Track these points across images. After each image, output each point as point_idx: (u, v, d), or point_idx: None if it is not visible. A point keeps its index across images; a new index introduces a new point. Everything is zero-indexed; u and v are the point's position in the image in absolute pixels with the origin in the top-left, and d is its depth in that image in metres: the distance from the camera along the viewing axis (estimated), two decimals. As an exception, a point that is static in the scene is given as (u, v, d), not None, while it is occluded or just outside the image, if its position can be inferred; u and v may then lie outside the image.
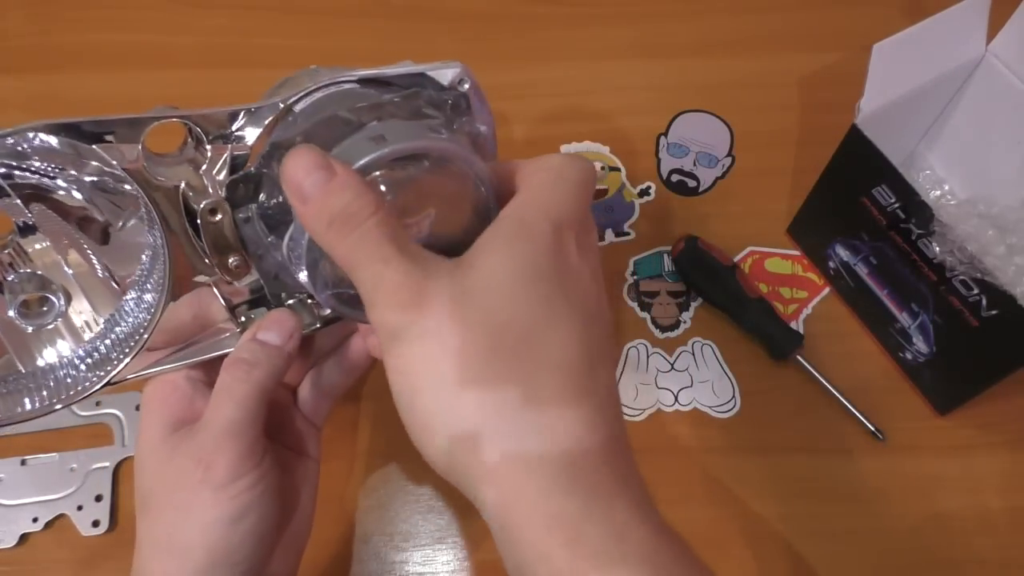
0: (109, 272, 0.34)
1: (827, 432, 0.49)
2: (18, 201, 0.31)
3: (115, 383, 0.34)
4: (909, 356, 0.49)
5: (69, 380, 0.34)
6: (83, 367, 0.34)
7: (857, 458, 0.48)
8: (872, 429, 0.49)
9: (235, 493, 0.32)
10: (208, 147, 0.32)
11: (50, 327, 0.34)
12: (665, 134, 0.60)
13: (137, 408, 0.49)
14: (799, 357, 0.50)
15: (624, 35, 0.64)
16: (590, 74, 0.62)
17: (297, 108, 0.34)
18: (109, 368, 0.34)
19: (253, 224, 0.34)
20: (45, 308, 0.34)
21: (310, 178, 0.27)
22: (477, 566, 0.46)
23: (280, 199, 0.32)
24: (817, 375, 0.50)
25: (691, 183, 0.58)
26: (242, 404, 0.33)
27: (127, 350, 0.34)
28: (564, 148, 0.59)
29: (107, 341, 0.34)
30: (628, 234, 0.56)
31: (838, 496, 0.47)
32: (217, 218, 0.33)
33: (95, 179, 0.32)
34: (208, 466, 0.32)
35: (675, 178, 0.58)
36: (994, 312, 0.41)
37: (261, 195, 0.33)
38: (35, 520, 0.45)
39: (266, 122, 0.33)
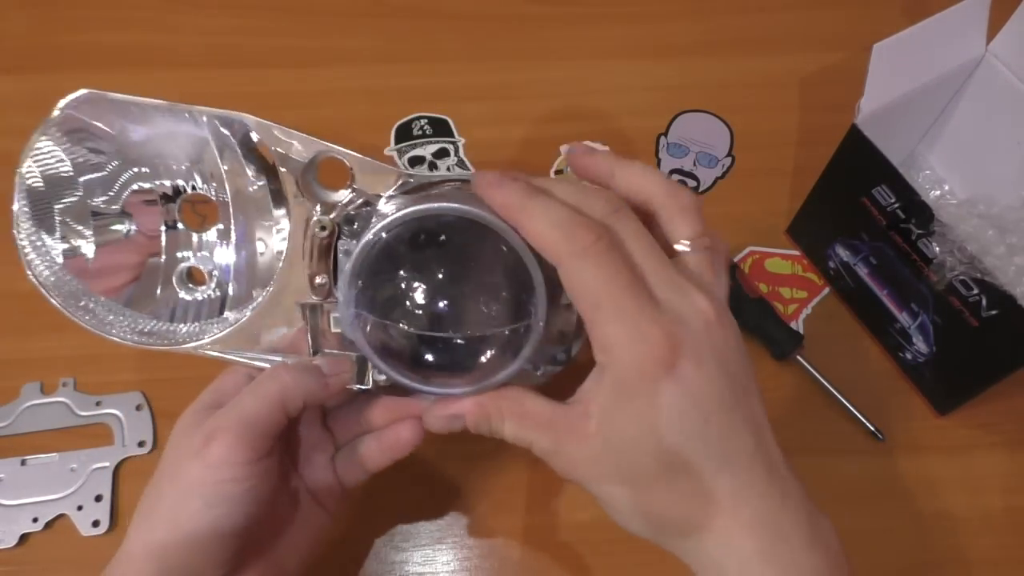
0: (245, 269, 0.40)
1: (827, 432, 0.49)
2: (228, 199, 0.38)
3: (196, 352, 0.38)
4: (909, 356, 0.49)
5: (166, 331, 0.39)
6: (183, 329, 0.39)
7: (857, 458, 0.48)
8: (872, 429, 0.49)
9: (221, 478, 0.32)
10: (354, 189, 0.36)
11: (196, 297, 0.40)
12: (665, 134, 0.60)
13: (137, 408, 0.49)
14: (799, 357, 0.50)
15: (624, 35, 0.64)
16: (590, 74, 0.62)
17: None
18: (201, 339, 0.38)
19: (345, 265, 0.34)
20: (198, 284, 0.40)
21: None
22: (477, 566, 0.46)
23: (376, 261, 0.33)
24: (817, 375, 0.50)
25: (691, 183, 0.58)
26: (262, 399, 0.34)
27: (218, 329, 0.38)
28: (564, 148, 0.59)
29: (213, 319, 0.40)
30: (628, 234, 0.56)
31: (838, 496, 0.47)
32: (324, 233, 0.36)
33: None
34: (208, 441, 0.33)
35: (675, 178, 0.58)
36: (994, 312, 0.41)
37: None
38: (35, 520, 0.45)
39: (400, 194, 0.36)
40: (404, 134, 0.60)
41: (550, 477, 0.48)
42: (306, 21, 0.65)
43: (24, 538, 0.45)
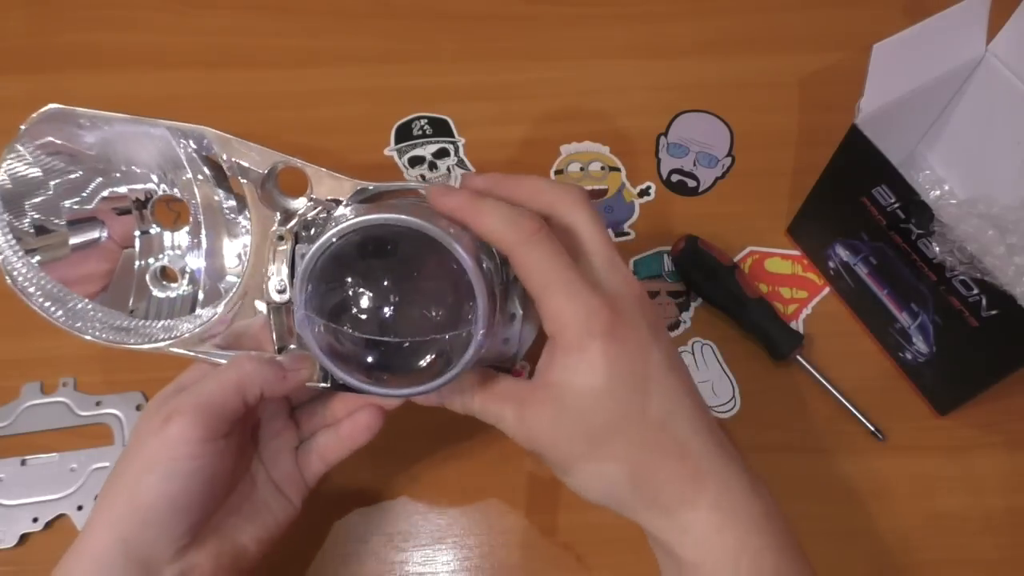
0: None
1: (827, 432, 0.49)
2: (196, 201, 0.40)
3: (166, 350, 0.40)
4: (909, 356, 0.49)
5: (141, 327, 0.40)
6: (158, 324, 0.41)
7: (857, 458, 0.48)
8: (872, 429, 0.49)
9: (176, 454, 0.34)
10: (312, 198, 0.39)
11: (168, 295, 0.42)
12: (665, 134, 0.60)
13: (138, 408, 0.49)
14: (799, 357, 0.50)
15: (624, 35, 0.64)
16: (590, 74, 0.62)
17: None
18: (174, 334, 0.40)
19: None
20: (171, 282, 0.42)
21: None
22: (477, 566, 0.46)
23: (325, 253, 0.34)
24: (817, 375, 0.50)
25: (691, 183, 0.58)
26: (221, 384, 0.36)
27: (192, 326, 0.40)
28: (564, 148, 0.59)
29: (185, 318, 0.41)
30: (628, 234, 0.56)
31: (838, 496, 0.47)
32: (282, 247, 0.37)
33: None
34: (166, 420, 0.35)
35: (675, 178, 0.58)
36: (994, 312, 0.41)
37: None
38: (35, 520, 0.45)
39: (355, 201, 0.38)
40: (404, 134, 0.60)
41: (550, 477, 0.48)
42: (306, 21, 0.65)
43: (24, 538, 0.45)
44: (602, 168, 0.59)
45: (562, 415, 0.34)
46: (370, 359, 0.34)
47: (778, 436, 0.49)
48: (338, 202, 0.38)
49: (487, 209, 0.34)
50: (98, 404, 0.49)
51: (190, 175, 0.39)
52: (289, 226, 0.38)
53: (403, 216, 0.32)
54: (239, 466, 0.39)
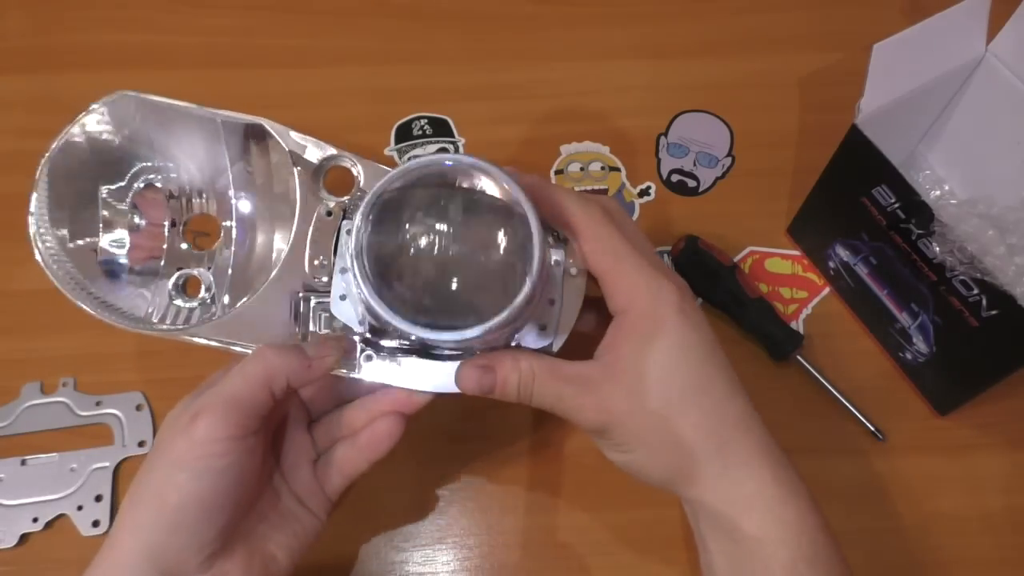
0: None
1: (827, 432, 0.49)
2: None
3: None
4: (909, 356, 0.49)
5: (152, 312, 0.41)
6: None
7: (857, 458, 0.48)
8: (872, 429, 0.49)
9: (205, 453, 0.33)
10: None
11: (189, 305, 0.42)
12: (665, 134, 0.60)
13: (138, 408, 0.49)
14: (799, 357, 0.50)
15: (624, 35, 0.64)
16: (590, 74, 0.62)
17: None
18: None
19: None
20: (193, 295, 0.42)
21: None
22: (477, 566, 0.46)
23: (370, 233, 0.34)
24: (817, 375, 0.50)
25: (691, 183, 0.58)
26: (247, 378, 0.35)
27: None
28: (564, 148, 0.59)
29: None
30: (628, 234, 0.56)
31: (838, 496, 0.47)
32: (329, 218, 0.39)
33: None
34: (194, 418, 0.34)
35: (675, 178, 0.58)
36: (994, 312, 0.41)
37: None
38: (35, 520, 0.45)
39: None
40: (404, 134, 0.60)
41: (550, 477, 0.48)
42: (306, 21, 0.64)
43: (24, 538, 0.45)
44: (602, 168, 0.59)
45: (638, 386, 0.34)
46: (422, 300, 0.34)
47: (778, 436, 0.49)
48: None
49: (562, 190, 0.36)
50: (98, 404, 0.49)
51: (233, 169, 0.40)
52: (338, 200, 0.39)
53: (479, 161, 0.33)
54: (265, 469, 0.37)
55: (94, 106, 0.38)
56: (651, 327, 0.35)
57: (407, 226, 0.34)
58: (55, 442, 0.48)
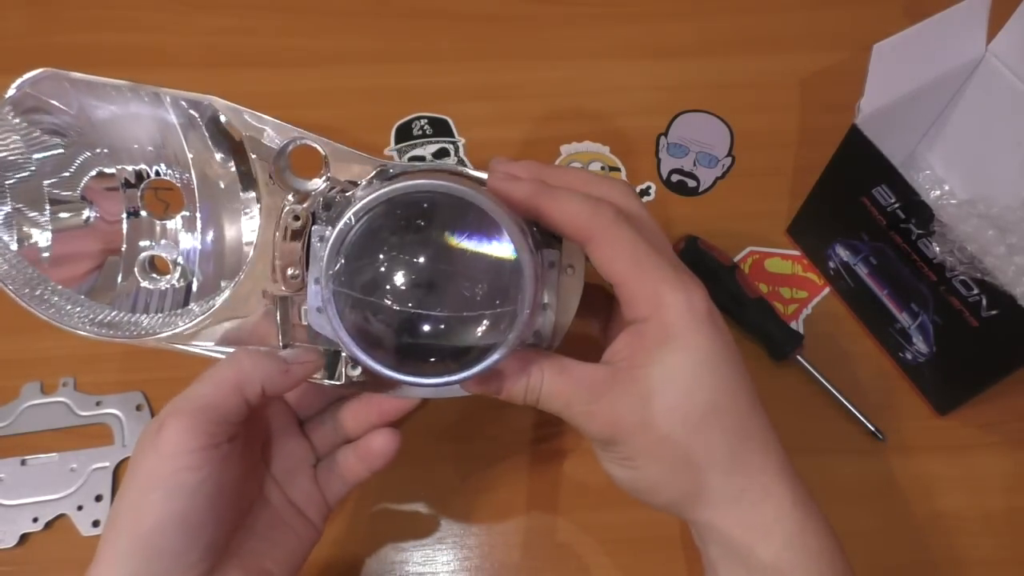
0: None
1: (827, 432, 0.49)
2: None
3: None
4: (909, 356, 0.49)
5: (127, 322, 0.38)
6: (145, 320, 0.38)
7: (857, 458, 0.48)
8: (872, 429, 0.49)
9: (175, 467, 0.31)
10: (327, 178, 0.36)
11: (159, 287, 0.39)
12: (665, 134, 0.60)
13: (137, 408, 0.49)
14: (799, 357, 0.50)
15: (624, 35, 0.64)
16: (590, 74, 0.62)
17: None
18: (166, 331, 0.37)
19: (323, 248, 0.33)
20: (161, 274, 0.39)
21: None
22: (477, 566, 0.46)
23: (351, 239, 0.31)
24: (817, 375, 0.50)
25: (691, 183, 0.58)
26: (217, 384, 0.33)
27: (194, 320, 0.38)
28: (564, 148, 0.59)
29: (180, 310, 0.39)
30: (628, 234, 0.56)
31: (838, 496, 0.47)
32: (297, 224, 0.35)
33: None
34: (159, 429, 0.31)
35: (675, 178, 0.58)
36: (994, 312, 0.41)
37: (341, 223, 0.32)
38: (35, 520, 0.45)
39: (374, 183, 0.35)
40: (404, 134, 0.60)
41: (550, 477, 0.48)
42: (306, 21, 0.65)
43: (24, 538, 0.45)
44: (602, 168, 0.59)
45: (658, 400, 0.32)
46: (401, 342, 0.31)
47: (778, 436, 0.49)
48: (355, 183, 0.36)
49: (563, 196, 0.32)
50: (98, 404, 0.49)
51: (189, 152, 0.36)
52: (305, 205, 0.35)
53: (453, 185, 0.30)
54: (250, 480, 0.36)
55: (12, 88, 0.35)
56: (677, 339, 0.32)
57: (382, 264, 0.31)
58: (55, 442, 0.48)
